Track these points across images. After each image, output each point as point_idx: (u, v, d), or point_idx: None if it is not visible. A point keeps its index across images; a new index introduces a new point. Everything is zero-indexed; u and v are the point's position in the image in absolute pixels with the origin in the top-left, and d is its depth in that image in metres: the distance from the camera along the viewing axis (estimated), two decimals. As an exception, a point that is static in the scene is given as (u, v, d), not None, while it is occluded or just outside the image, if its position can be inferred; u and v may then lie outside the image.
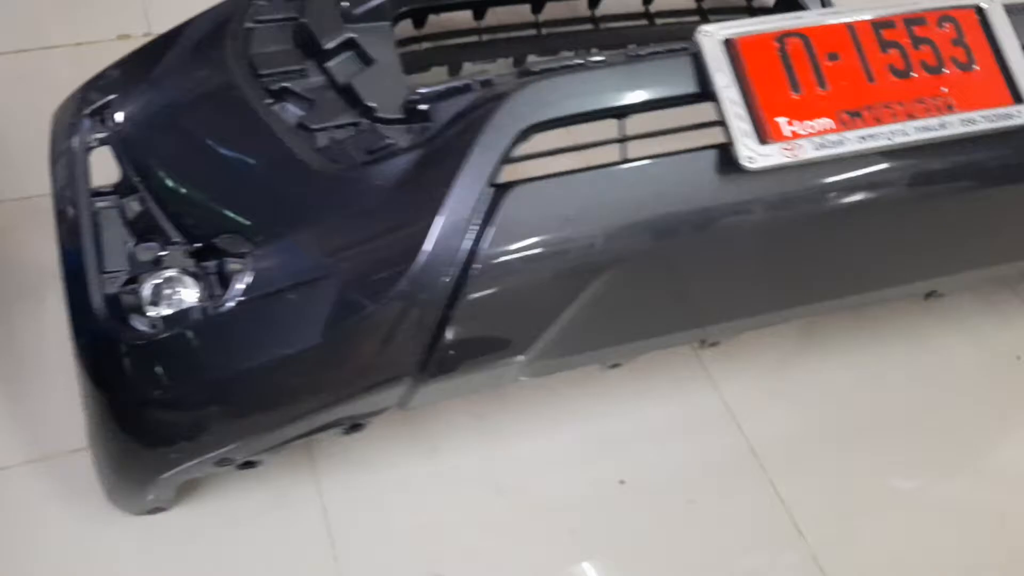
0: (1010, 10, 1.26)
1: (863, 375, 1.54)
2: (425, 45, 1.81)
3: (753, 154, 1.09)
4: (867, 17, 1.18)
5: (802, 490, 1.38)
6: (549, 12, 1.76)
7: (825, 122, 1.12)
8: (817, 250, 1.22)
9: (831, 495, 1.38)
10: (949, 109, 1.17)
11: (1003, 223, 1.32)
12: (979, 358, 1.59)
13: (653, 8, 1.82)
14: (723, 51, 1.13)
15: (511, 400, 1.43)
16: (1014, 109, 1.19)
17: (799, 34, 1.15)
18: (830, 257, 1.23)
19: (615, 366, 1.35)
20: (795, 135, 1.11)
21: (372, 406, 1.17)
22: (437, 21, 1.72)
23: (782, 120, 1.12)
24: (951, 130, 1.15)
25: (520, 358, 1.15)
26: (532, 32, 1.83)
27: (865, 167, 1.15)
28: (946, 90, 1.18)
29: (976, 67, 1.20)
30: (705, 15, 1.75)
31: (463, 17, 1.73)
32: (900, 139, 1.13)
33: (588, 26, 1.80)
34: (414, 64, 1.54)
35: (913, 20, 1.20)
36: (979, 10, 1.23)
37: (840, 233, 1.22)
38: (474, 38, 1.80)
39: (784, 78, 1.13)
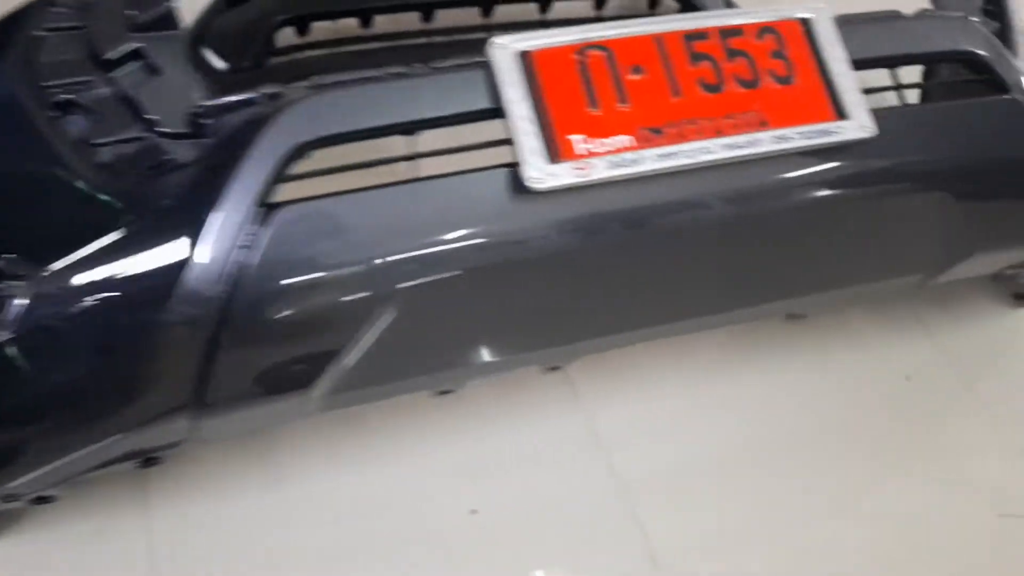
0: (841, 21, 1.21)
1: (747, 397, 1.46)
2: (308, 54, 1.75)
3: (540, 174, 1.03)
4: (679, 28, 1.12)
5: (667, 525, 1.30)
6: (444, 19, 1.69)
7: (624, 139, 1.07)
8: (627, 274, 1.16)
9: (702, 529, 1.31)
10: (762, 125, 1.11)
11: (845, 243, 1.25)
12: (869, 377, 1.53)
13: (551, 16, 1.77)
14: (517, 64, 1.07)
15: (369, 423, 1.36)
16: (835, 125, 1.13)
17: (601, 46, 1.09)
18: (642, 282, 1.16)
19: (445, 392, 1.29)
20: (589, 153, 1.05)
21: (157, 439, 1.11)
22: (324, 28, 1.66)
23: (577, 138, 1.06)
24: (762, 148, 1.10)
25: (310, 390, 1.09)
26: (423, 40, 1.77)
27: (680, 185, 1.09)
28: (760, 105, 1.12)
29: (796, 81, 1.14)
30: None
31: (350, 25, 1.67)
32: (704, 157, 1.08)
33: (483, 34, 1.74)
34: (291, 74, 1.47)
35: (729, 32, 1.14)
36: (804, 22, 1.17)
37: (657, 256, 1.15)
38: (361, 46, 1.75)
39: (582, 93, 1.07)
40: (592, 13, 1.78)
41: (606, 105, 1.07)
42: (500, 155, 1.07)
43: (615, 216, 1.07)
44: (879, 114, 1.17)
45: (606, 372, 1.44)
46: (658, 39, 1.11)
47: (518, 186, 1.03)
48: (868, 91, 1.23)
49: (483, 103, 1.06)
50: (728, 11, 1.17)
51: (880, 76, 1.28)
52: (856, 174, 1.14)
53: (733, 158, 1.08)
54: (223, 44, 1.60)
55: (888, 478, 1.41)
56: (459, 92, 1.07)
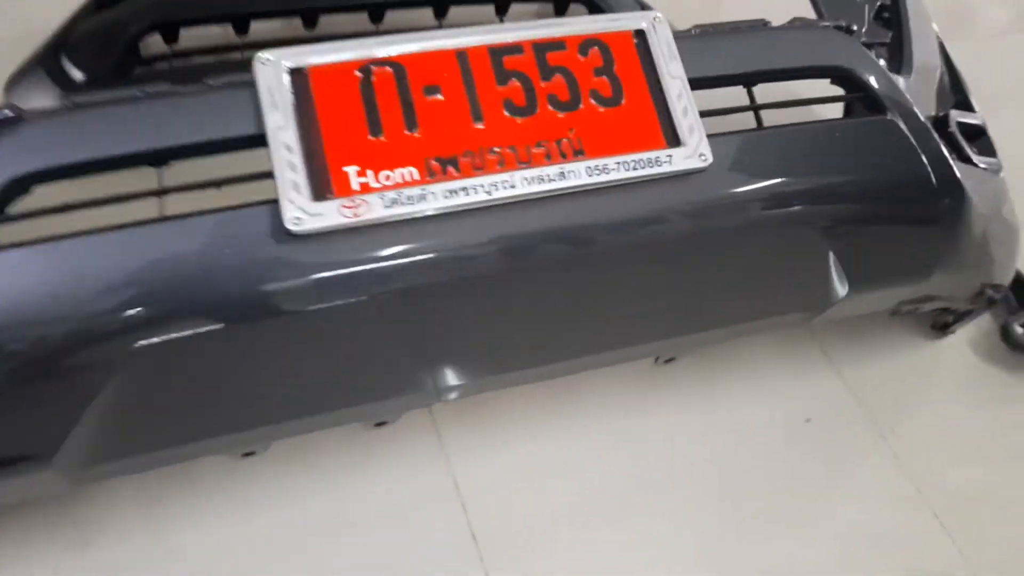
0: (688, 33, 1.05)
1: (626, 442, 1.32)
2: (175, 63, 1.59)
3: (301, 214, 0.87)
4: (487, 41, 0.96)
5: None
6: (331, 26, 1.54)
7: (408, 172, 0.91)
8: (406, 330, 1.00)
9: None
10: (577, 155, 0.96)
11: (690, 284, 1.10)
12: (767, 419, 1.39)
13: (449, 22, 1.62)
14: (287, 83, 0.91)
15: (196, 480, 1.20)
16: (664, 154, 0.98)
17: (390, 62, 0.94)
18: (415, 339, 1.00)
19: (249, 454, 1.13)
20: (365, 189, 0.89)
21: None
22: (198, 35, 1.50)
23: (352, 170, 0.90)
24: (574, 180, 0.94)
25: (51, 463, 0.92)
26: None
27: (473, 225, 0.93)
28: (578, 131, 0.96)
29: (624, 102, 0.99)
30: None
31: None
32: (503, 192, 0.92)
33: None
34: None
35: (547, 45, 0.99)
36: (638, 34, 1.02)
37: (443, 308, 0.99)
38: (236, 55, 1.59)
39: (362, 117, 0.92)
40: (496, 21, 1.64)
41: (392, 132, 0.92)
42: (268, 190, 0.91)
43: (391, 263, 0.91)
44: (723, 140, 1.02)
45: (475, 419, 1.30)
46: (461, 54, 0.96)
47: (279, 227, 0.87)
48: (727, 111, 1.08)
49: (245, 129, 0.90)
50: (549, 21, 1.01)
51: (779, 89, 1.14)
52: (688, 209, 0.99)
53: (538, 193, 0.93)
54: (82, 52, 1.43)
55: (776, 533, 1.27)
56: (219, 116, 0.91)
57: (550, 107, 0.97)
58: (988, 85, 1.83)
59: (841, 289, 1.17)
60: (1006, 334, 1.52)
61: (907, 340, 1.54)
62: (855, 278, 1.18)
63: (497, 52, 0.97)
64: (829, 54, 1.12)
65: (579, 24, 1.01)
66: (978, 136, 1.37)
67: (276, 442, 1.10)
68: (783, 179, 1.05)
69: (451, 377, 1.02)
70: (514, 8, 1.68)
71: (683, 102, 1.01)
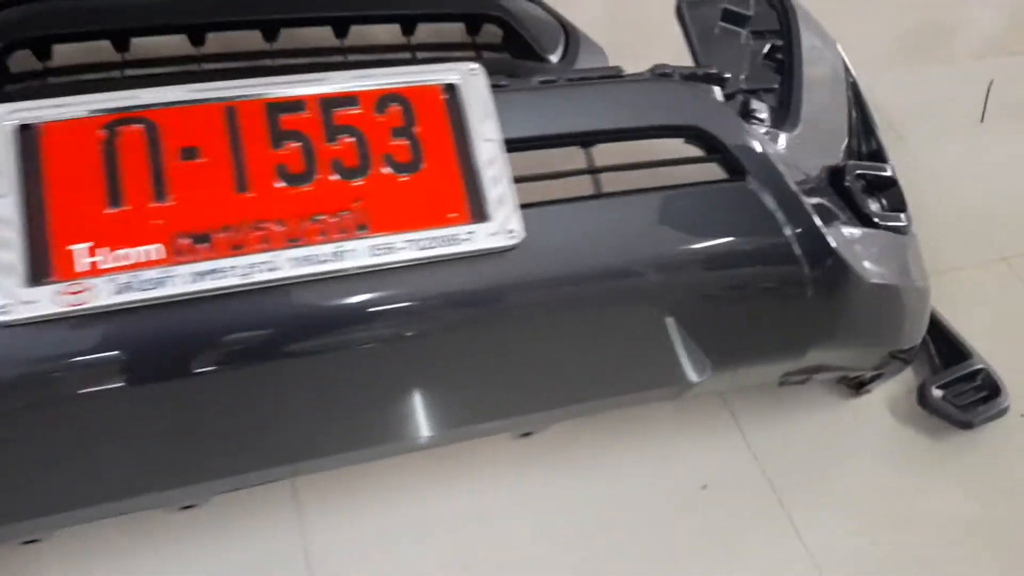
0: (511, 88, 0.93)
1: (506, 509, 1.21)
2: (52, 80, 1.45)
3: (9, 301, 0.73)
4: (263, 94, 0.83)
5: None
6: (222, 44, 1.42)
7: (150, 251, 0.78)
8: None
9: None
10: (360, 231, 0.83)
11: (522, 363, 0.98)
12: (660, 486, 1.29)
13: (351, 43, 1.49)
14: (13, 142, 0.77)
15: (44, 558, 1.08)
16: (464, 230, 0.85)
17: (142, 118, 0.80)
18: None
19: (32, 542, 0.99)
20: (93, 271, 0.76)
21: None
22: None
23: (81, 248, 0.77)
24: (351, 261, 0.82)
25: None
26: (193, 67, 1.48)
27: (226, 312, 0.80)
28: (364, 203, 0.84)
29: (424, 169, 0.86)
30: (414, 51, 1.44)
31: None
32: (262, 276, 0.79)
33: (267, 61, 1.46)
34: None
35: (335, 101, 0.86)
36: (449, 89, 0.89)
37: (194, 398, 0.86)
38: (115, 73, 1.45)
39: (101, 185, 0.78)
40: (401, 40, 1.51)
41: (135, 202, 0.79)
42: None
43: (109, 359, 0.78)
44: (542, 211, 0.89)
45: (338, 487, 1.19)
46: (230, 110, 0.83)
47: (-11, 315, 0.74)
48: (556, 175, 0.96)
49: (-44, 196, 0.76)
50: (345, 73, 0.88)
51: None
52: (486, 293, 0.86)
53: (306, 276, 0.79)
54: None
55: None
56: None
57: (333, 174, 0.84)
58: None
59: (698, 369, 1.05)
60: (923, 398, 1.41)
61: (822, 400, 1.43)
62: (716, 357, 1.06)
63: (275, 108, 0.84)
64: (680, 110, 1.00)
65: (378, 77, 0.88)
66: (886, 188, 1.25)
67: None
68: (613, 254, 0.93)
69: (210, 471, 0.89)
70: (423, 28, 1.56)
71: (494, 169, 0.88)
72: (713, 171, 1.07)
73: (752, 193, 1.01)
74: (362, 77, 0.88)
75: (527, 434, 1.19)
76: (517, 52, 1.63)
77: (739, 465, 1.34)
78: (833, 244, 1.07)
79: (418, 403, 0.96)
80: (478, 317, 0.87)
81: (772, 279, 1.04)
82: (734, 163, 1.03)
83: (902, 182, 1.25)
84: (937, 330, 1.50)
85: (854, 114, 1.36)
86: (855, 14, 1.97)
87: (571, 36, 1.64)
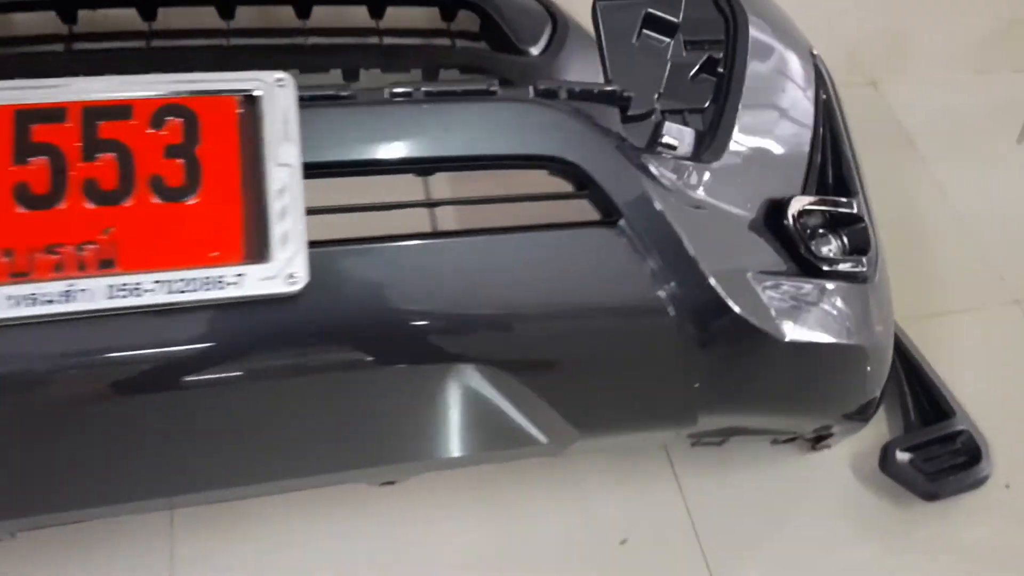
0: (335, 103, 0.80)
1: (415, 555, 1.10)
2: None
3: None
4: (18, 99, 0.72)
5: None
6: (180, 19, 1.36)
7: None
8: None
9: None
10: (103, 267, 0.71)
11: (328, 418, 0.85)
12: (572, 539, 1.16)
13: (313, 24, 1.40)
14: None
15: None
16: (233, 272, 0.73)
17: None
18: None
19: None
20: None
21: None
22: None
23: None
24: (82, 303, 0.70)
25: None
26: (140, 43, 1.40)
27: None
28: (115, 235, 0.72)
29: (197, 196, 0.74)
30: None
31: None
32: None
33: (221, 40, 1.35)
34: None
35: (103, 111, 0.74)
36: (248, 101, 0.76)
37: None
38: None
39: None
40: (370, 23, 1.42)
41: None
42: None
43: None
44: (342, 252, 0.76)
45: (212, 524, 1.10)
46: (-31, 117, 0.71)
47: None
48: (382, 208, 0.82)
49: None
50: (124, 78, 0.75)
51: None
52: (254, 345, 0.74)
53: (22, 318, 0.68)
54: None
55: None
56: None
57: (83, 198, 0.72)
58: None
59: (553, 433, 0.92)
60: (884, 460, 1.23)
61: (775, 452, 1.27)
62: (579, 421, 0.93)
63: (25, 116, 0.73)
64: (541, 137, 0.85)
65: (163, 83, 0.75)
66: (849, 225, 1.08)
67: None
68: (419, 304, 0.79)
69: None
70: (393, 12, 1.44)
71: (284, 200, 0.75)
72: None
73: (619, 239, 0.87)
74: (143, 82, 0.75)
75: (390, 482, 1.07)
76: (495, 43, 1.50)
77: (668, 519, 1.21)
78: (727, 299, 0.92)
79: (197, 453, 0.84)
80: (241, 371, 0.75)
81: (638, 340, 0.89)
82: (605, 202, 0.88)
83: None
84: (919, 382, 1.32)
85: (824, 136, 1.18)
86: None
87: (559, 26, 1.50)
